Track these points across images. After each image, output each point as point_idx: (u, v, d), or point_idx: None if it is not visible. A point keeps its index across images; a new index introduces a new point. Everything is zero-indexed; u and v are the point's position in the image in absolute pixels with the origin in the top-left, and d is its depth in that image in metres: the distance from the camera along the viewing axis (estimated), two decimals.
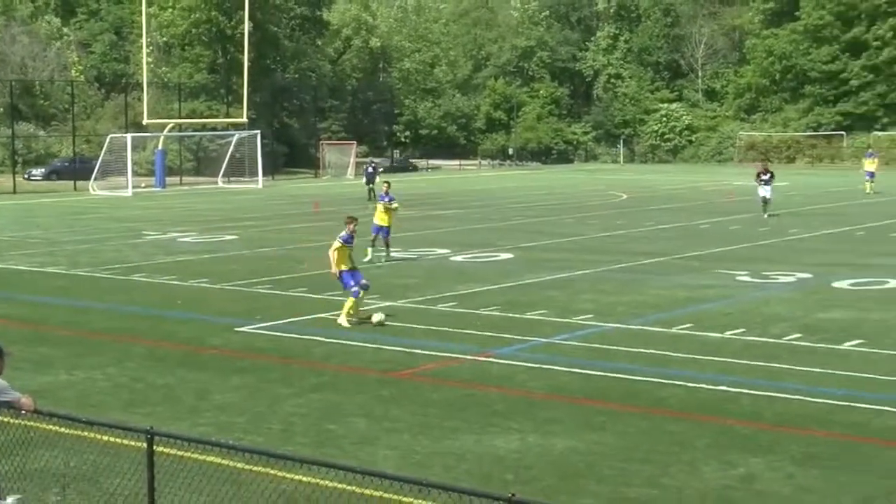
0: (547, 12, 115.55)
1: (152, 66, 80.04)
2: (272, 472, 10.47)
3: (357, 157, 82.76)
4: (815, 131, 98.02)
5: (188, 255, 32.95)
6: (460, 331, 20.79)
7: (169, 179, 71.34)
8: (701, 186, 65.78)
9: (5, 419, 10.67)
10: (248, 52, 73.57)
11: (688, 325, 21.26)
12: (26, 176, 73.33)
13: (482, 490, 8.44)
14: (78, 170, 69.38)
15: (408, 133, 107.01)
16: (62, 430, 11.23)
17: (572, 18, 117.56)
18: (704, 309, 23.34)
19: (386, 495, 9.60)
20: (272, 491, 10.59)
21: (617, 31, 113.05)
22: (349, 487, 10.28)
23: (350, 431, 14.32)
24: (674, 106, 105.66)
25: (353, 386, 16.79)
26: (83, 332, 21.28)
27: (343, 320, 21.17)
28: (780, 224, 40.84)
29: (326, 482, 10.43)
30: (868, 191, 56.60)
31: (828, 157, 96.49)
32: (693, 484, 12.30)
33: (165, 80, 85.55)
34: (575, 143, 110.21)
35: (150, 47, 78.93)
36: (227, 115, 79.72)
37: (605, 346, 19.45)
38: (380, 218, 31.15)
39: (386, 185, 33.23)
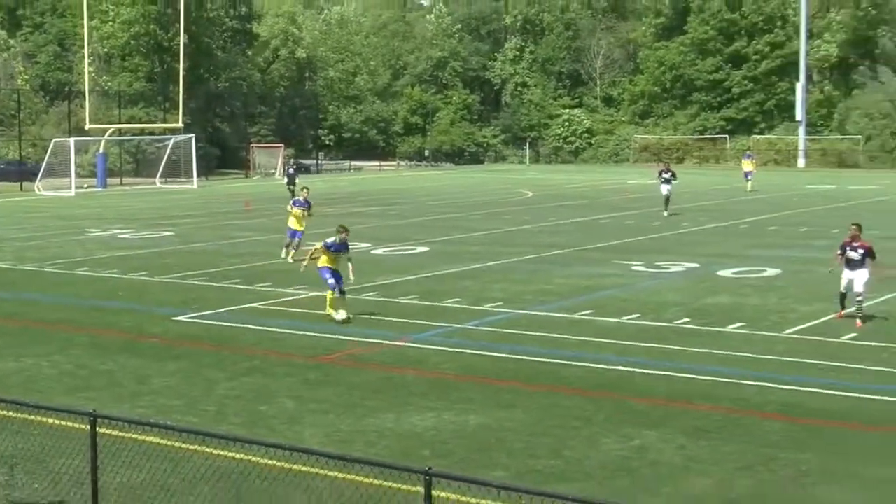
0: (459, 25, 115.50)
1: (94, 75, 78.71)
2: (207, 450, 10.39)
3: (284, 158, 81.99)
4: (701, 134, 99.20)
5: (128, 250, 32.50)
6: (381, 318, 20.79)
7: (110, 180, 70.23)
8: (600, 185, 66.27)
9: None
10: (184, 63, 72.67)
11: (588, 311, 21.45)
12: None
13: (402, 464, 8.47)
14: (23, 172, 68.11)
15: (332, 136, 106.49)
16: (10, 414, 11.02)
17: (482, 31, 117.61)
18: (603, 296, 23.55)
19: (312, 470, 9.58)
20: (207, 468, 10.50)
21: (523, 44, 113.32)
22: (279, 463, 10.25)
23: (279, 412, 14.26)
24: (575, 111, 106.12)
25: (281, 370, 16.71)
26: (29, 322, 20.93)
27: (337, 315, 20.15)
28: (671, 219, 41.28)
29: (258, 459, 10.38)
30: (748, 189, 57.27)
31: (713, 157, 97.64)
32: (594, 455, 12.43)
33: (106, 88, 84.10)
34: (485, 145, 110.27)
35: (92, 58, 77.65)
36: (164, 121, 78.64)
37: (513, 331, 19.56)
38: (295, 223, 29.66)
39: (305, 190, 31.74)
